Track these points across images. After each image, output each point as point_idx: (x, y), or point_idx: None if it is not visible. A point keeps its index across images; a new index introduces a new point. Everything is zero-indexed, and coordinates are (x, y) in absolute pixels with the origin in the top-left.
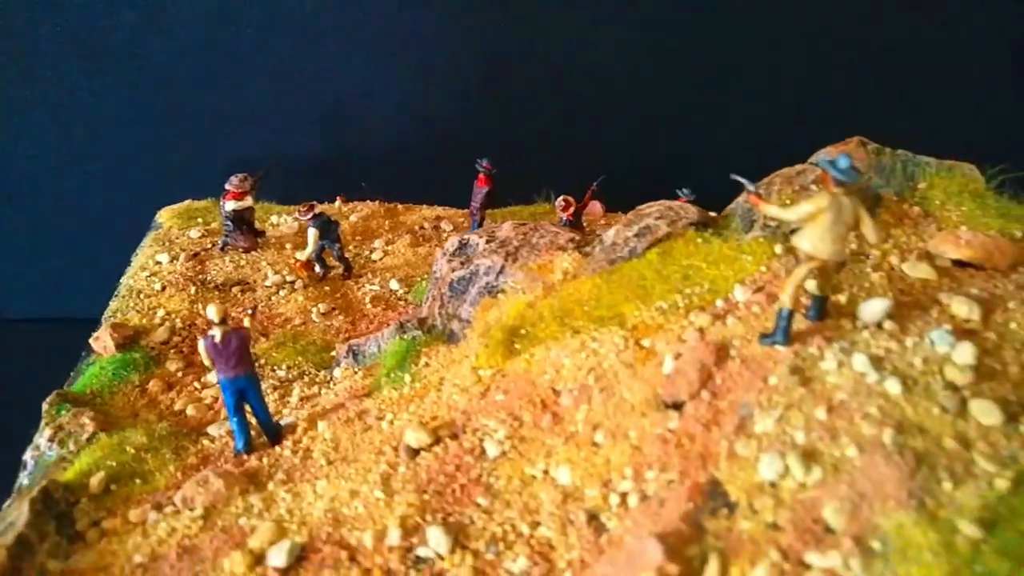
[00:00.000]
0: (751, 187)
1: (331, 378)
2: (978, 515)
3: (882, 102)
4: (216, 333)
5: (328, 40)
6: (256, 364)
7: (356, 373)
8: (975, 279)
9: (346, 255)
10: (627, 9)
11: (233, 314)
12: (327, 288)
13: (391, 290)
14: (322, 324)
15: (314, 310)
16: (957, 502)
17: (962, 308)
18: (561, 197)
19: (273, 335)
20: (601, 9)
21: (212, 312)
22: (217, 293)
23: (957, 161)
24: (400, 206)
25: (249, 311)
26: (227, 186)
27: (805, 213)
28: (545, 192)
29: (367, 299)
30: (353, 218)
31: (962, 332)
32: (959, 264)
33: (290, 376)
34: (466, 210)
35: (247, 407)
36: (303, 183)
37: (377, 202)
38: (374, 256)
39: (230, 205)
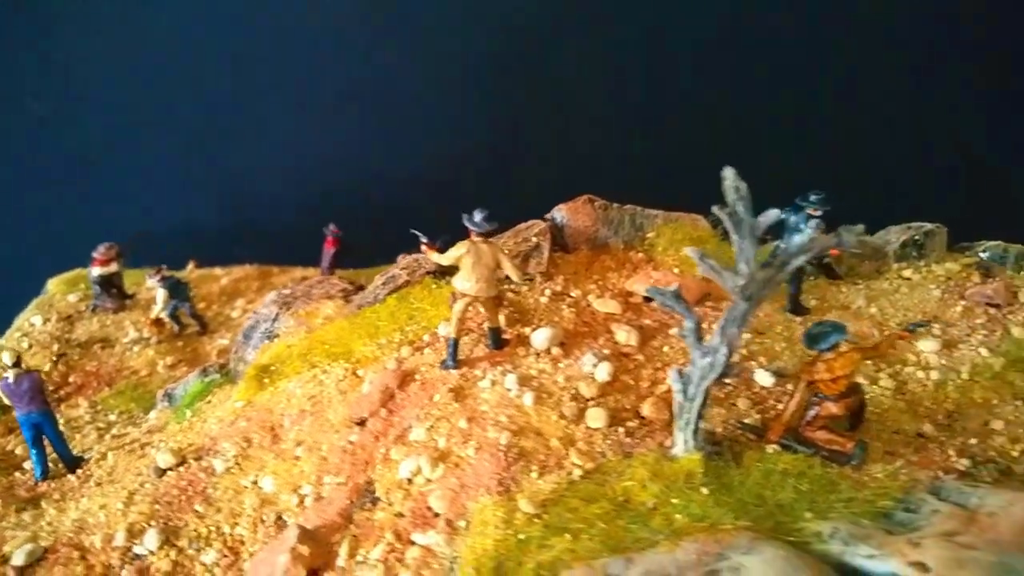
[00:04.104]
0: (423, 238)
1: (147, 419)
2: (543, 497)
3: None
4: (10, 376)
5: (217, 123)
6: (94, 409)
7: (168, 413)
8: (657, 311)
9: (199, 313)
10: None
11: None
12: (180, 343)
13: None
14: (166, 375)
15: (161, 363)
16: (535, 488)
17: (623, 335)
18: (400, 255)
19: (116, 385)
20: (443, 96)
21: (6, 357)
22: (79, 350)
23: (687, 212)
24: (276, 268)
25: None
26: (94, 254)
27: (452, 258)
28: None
29: (214, 353)
30: (224, 281)
31: (614, 355)
32: (649, 299)
33: (119, 420)
34: None
35: (47, 441)
36: (188, 248)
37: (254, 265)
38: (234, 314)
39: (96, 271)
